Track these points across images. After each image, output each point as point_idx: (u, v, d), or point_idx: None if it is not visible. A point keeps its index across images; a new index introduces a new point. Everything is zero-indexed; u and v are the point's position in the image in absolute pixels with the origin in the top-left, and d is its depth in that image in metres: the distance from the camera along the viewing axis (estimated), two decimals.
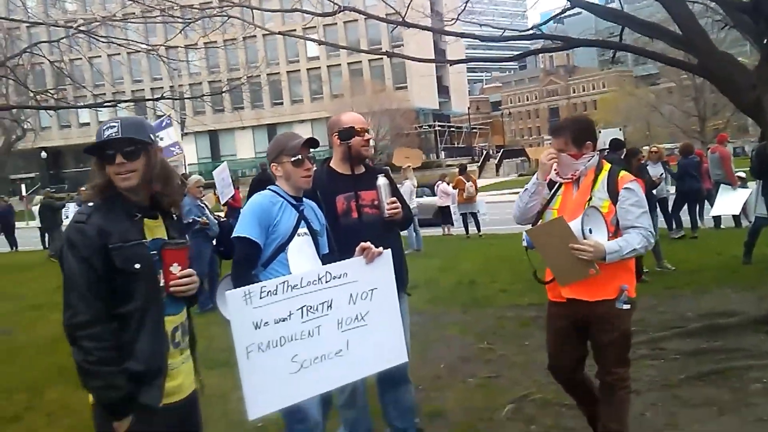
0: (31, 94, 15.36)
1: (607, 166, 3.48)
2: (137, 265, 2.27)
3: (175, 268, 2.35)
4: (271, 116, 56.44)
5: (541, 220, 3.51)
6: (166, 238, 2.42)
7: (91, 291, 2.22)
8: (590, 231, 3.23)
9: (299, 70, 62.94)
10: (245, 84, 17.55)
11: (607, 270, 3.25)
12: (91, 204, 2.40)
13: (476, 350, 5.95)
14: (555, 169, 3.47)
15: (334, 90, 60.60)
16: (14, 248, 21.36)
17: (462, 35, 10.18)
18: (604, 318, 3.36)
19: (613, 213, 3.33)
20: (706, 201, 12.83)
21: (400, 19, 8.74)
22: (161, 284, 2.34)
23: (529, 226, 3.52)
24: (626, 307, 3.33)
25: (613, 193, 3.34)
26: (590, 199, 3.35)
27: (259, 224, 3.06)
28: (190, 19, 11.33)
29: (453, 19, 10.19)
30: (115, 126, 2.31)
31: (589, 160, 3.43)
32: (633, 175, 8.47)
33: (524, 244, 3.53)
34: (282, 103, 61.70)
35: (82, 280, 2.22)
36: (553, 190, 3.52)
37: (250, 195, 10.36)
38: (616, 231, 3.32)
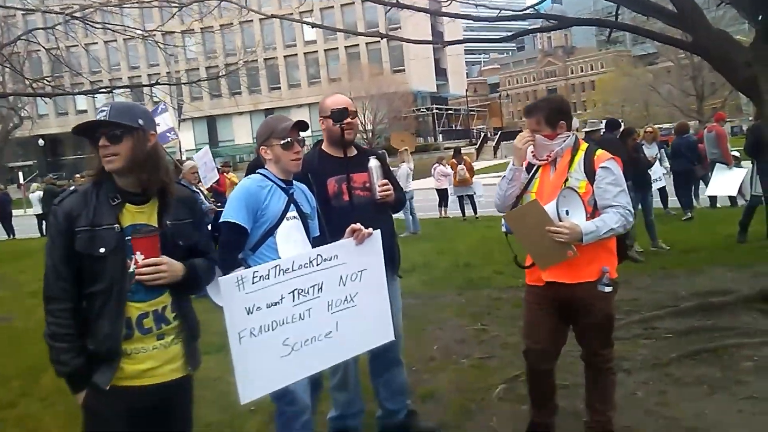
0: (28, 82, 15.28)
1: (584, 145, 3.44)
2: (102, 249, 2.33)
3: (139, 256, 2.35)
4: (269, 101, 56.17)
5: (519, 205, 3.49)
6: (156, 224, 2.43)
7: (56, 270, 2.35)
8: (567, 212, 3.20)
9: (296, 55, 62.65)
10: (242, 69, 17.47)
11: (587, 251, 3.23)
12: (72, 187, 2.49)
13: (470, 331, 5.97)
14: (532, 152, 3.45)
15: (331, 74, 60.36)
16: (11, 236, 21.38)
17: (457, 15, 10.11)
18: (586, 301, 3.34)
19: (591, 193, 3.29)
20: (701, 181, 12.83)
21: (396, 1, 8.70)
22: (130, 270, 2.36)
23: None
24: (608, 289, 3.31)
25: (590, 173, 3.30)
26: (567, 179, 3.32)
27: (247, 208, 3.05)
28: (185, 3, 11.25)
29: (449, 0, 10.12)
30: (105, 110, 2.37)
31: (564, 141, 3.41)
32: (629, 155, 8.35)
33: (503, 229, 3.53)
34: (279, 88, 61.43)
35: (50, 259, 2.37)
36: (531, 174, 3.50)
37: None
38: (594, 211, 3.29)
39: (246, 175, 3.31)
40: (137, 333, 2.38)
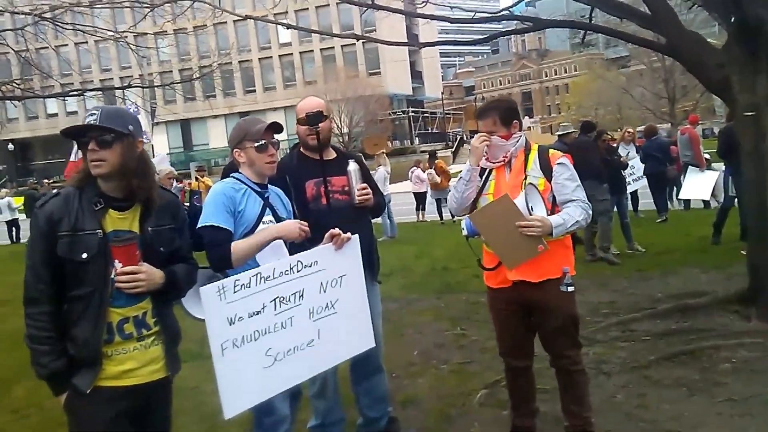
0: None
1: (535, 146, 3.51)
2: (84, 255, 2.32)
3: (117, 264, 2.33)
4: (244, 104, 55.73)
5: (477, 207, 3.49)
6: (137, 231, 2.41)
7: (36, 273, 2.34)
8: (531, 208, 3.25)
9: (271, 57, 62.25)
10: (216, 71, 17.27)
11: (549, 248, 3.28)
12: (55, 191, 2.48)
13: (450, 336, 5.95)
14: (485, 155, 3.46)
15: (307, 77, 60.07)
16: None
17: (432, 17, 10.10)
18: (550, 303, 3.38)
19: (549, 190, 3.37)
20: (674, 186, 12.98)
21: (372, 2, 8.65)
22: (112, 276, 2.34)
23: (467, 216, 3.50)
24: (570, 289, 3.36)
25: (547, 170, 3.38)
26: (526, 177, 3.37)
27: (226, 210, 2.98)
28: (157, 4, 11.08)
29: (424, 2, 10.11)
30: (95, 114, 2.35)
31: (518, 141, 3.46)
32: (602, 156, 8.45)
33: (464, 233, 3.50)
34: (254, 91, 61.09)
35: (30, 261, 2.36)
36: (484, 177, 3.51)
37: None
38: (552, 207, 3.37)
39: (221, 179, 3.24)
40: (117, 338, 2.39)
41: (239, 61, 59.43)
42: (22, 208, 20.88)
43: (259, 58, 61.88)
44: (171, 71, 52.48)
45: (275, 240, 2.98)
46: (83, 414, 2.37)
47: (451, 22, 8.50)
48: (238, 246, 2.94)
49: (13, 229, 20.69)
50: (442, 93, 75.76)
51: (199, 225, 2.99)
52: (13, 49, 13.35)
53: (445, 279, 8.51)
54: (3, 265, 13.88)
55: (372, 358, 3.56)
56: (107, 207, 2.38)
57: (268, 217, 3.09)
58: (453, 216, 16.87)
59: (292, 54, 61.84)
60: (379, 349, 3.65)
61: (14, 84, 14.48)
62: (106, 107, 2.41)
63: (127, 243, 2.34)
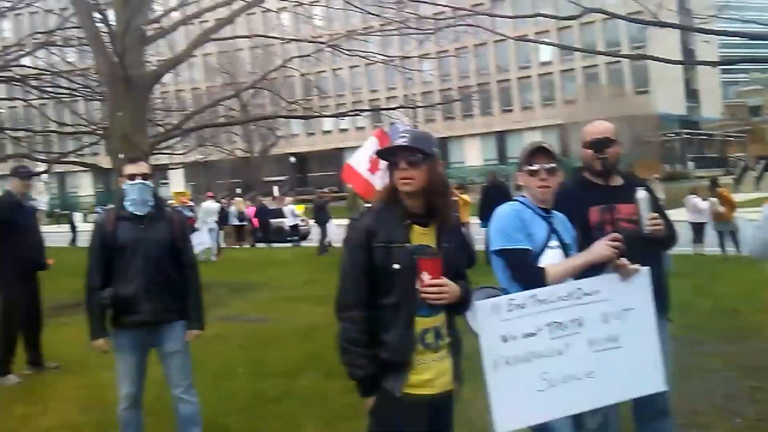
0: (284, 104, 17.07)
1: None
2: (396, 266, 2.50)
3: (425, 276, 2.46)
4: (501, 123, 56.22)
5: None
6: (435, 247, 2.56)
7: (354, 279, 2.55)
8: None
9: (530, 77, 62.00)
10: (476, 92, 17.84)
11: None
12: (368, 205, 2.70)
13: (742, 387, 5.25)
14: None
15: (567, 96, 58.67)
16: (270, 244, 23.41)
17: (724, 33, 9.11)
18: None
19: None
20: None
21: (645, 18, 8.16)
22: (417, 287, 2.48)
23: None
24: None
25: None
26: None
27: (520, 231, 2.94)
28: (424, 30, 11.71)
29: (710, 15, 9.27)
30: (406, 136, 2.59)
31: None
32: None
33: None
34: (512, 110, 61.28)
35: (348, 269, 2.57)
36: None
37: (482, 203, 10.25)
38: None
39: (481, 199, 3.26)
40: (420, 346, 2.54)
41: (497, 81, 60.19)
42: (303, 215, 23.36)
43: (518, 77, 62.00)
44: (432, 91, 54.97)
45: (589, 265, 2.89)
46: (390, 417, 2.52)
47: (751, 39, 7.62)
48: (552, 270, 2.88)
49: (296, 232, 22.98)
50: (722, 113, 68.71)
51: (497, 248, 3.00)
52: (301, 73, 15.15)
53: (735, 322, 7.55)
54: (290, 266, 15.59)
55: (658, 399, 3.26)
56: (413, 222, 2.56)
57: (554, 242, 3.01)
58: (739, 251, 14.49)
59: (552, 73, 60.98)
60: (667, 391, 3.34)
61: (298, 103, 16.43)
62: (414, 130, 2.65)
63: (434, 257, 2.48)
